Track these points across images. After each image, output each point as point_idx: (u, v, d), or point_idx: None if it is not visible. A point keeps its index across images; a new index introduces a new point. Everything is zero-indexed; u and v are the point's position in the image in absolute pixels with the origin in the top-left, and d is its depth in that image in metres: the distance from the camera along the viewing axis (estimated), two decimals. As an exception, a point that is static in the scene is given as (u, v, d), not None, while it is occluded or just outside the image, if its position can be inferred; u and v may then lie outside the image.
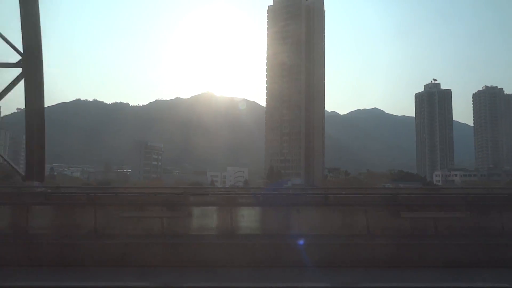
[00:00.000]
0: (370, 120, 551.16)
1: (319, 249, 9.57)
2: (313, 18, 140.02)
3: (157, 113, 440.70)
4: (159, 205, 11.73)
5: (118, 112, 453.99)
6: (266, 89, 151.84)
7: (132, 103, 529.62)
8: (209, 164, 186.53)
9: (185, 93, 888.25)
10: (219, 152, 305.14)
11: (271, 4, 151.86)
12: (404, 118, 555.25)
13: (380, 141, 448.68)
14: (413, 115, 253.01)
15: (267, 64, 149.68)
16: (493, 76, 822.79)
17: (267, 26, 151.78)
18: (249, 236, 10.87)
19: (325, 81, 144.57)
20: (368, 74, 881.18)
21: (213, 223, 11.68)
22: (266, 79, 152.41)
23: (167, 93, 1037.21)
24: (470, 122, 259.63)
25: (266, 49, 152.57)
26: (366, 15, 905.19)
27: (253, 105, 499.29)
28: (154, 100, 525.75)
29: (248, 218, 11.65)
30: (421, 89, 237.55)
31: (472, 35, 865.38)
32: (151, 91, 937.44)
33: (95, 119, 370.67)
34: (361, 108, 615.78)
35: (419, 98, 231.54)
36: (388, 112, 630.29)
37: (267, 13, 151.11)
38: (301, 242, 9.51)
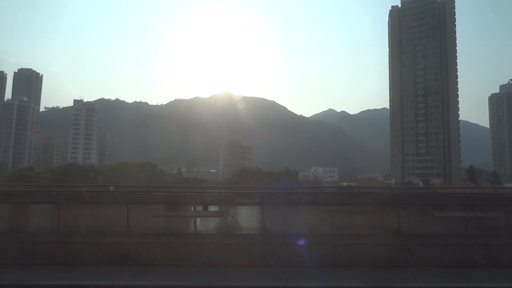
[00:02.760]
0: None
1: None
2: (445, 17, 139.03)
3: (178, 112, 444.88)
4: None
5: (139, 111, 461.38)
6: (390, 90, 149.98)
7: (151, 102, 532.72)
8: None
9: (204, 93, 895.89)
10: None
11: (395, 4, 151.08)
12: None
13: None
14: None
15: (391, 65, 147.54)
16: None
17: (389, 26, 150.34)
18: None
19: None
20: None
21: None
22: (389, 80, 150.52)
23: (186, 93, 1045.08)
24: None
25: (389, 50, 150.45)
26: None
27: (273, 104, 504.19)
28: (173, 99, 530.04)
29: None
30: (495, 90, 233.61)
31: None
32: (170, 91, 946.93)
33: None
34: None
35: (495, 99, 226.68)
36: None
37: (390, 13, 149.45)
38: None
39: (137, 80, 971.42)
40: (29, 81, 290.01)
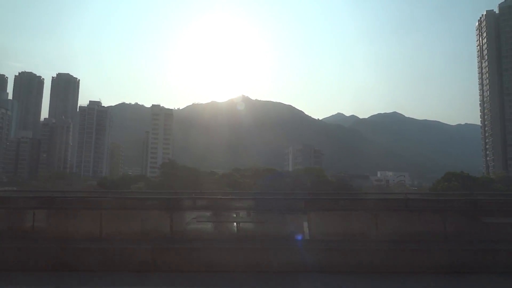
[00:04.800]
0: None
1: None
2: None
3: (195, 116, 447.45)
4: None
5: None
6: (483, 95, 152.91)
7: (168, 106, 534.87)
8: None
9: (221, 97, 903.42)
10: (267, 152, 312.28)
11: (493, 9, 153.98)
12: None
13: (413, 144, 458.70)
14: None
15: (486, 70, 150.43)
16: None
17: (482, 32, 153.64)
18: None
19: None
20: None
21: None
22: (480, 86, 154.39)
23: (203, 97, 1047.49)
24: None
25: (482, 56, 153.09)
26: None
27: (290, 108, 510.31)
28: (191, 103, 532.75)
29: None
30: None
31: None
32: (187, 95, 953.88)
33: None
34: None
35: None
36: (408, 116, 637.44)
37: (485, 18, 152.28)
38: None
39: (154, 84, 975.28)
40: (67, 85, 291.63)
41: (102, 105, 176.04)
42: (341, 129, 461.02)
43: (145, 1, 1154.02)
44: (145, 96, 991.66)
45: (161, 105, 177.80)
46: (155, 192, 30.48)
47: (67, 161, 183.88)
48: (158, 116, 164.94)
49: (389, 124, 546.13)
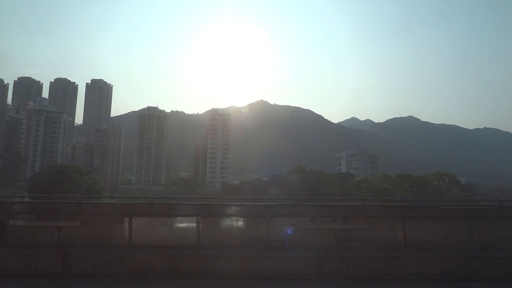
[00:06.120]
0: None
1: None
2: None
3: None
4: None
5: (178, 119, 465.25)
6: None
7: (187, 111, 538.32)
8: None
9: (240, 102, 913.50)
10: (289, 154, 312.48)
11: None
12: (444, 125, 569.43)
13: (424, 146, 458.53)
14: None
15: None
16: None
17: None
18: None
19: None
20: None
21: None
22: None
23: (222, 102, 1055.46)
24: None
25: None
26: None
27: (309, 113, 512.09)
28: (210, 108, 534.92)
29: None
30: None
31: None
32: (205, 100, 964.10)
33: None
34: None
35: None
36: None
37: None
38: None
39: (174, 90, 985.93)
40: (101, 91, 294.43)
41: (159, 110, 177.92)
42: (362, 134, 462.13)
43: (159, 11, 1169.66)
44: (164, 102, 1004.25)
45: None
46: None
47: (119, 166, 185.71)
48: (216, 121, 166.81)
49: (407, 128, 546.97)
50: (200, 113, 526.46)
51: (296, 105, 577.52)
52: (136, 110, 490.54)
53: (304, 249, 9.99)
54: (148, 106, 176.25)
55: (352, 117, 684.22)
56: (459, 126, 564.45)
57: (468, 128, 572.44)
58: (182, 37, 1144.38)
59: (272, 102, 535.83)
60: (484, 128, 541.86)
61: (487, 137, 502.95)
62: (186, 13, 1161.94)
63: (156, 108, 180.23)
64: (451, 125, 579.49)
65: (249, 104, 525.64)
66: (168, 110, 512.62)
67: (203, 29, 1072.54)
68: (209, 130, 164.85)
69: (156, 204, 12.06)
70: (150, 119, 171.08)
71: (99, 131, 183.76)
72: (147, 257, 9.26)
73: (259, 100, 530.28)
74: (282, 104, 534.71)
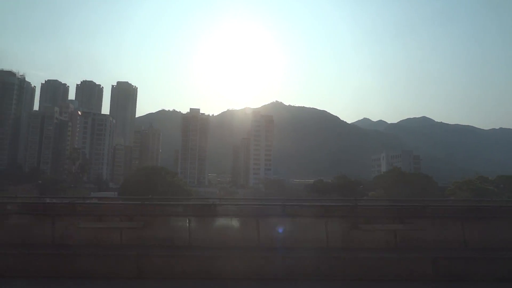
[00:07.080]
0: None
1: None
2: None
3: (230, 122, 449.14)
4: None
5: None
6: None
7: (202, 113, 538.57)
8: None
9: (254, 103, 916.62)
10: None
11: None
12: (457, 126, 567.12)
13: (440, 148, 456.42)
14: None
15: None
16: None
17: None
18: None
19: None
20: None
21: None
22: None
23: (236, 103, 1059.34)
24: None
25: None
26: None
27: (325, 114, 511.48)
28: (225, 110, 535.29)
29: None
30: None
31: None
32: (219, 101, 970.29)
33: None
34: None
35: None
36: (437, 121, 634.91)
37: None
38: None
39: (188, 92, 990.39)
40: (126, 94, 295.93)
41: (202, 112, 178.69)
42: (379, 135, 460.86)
43: (169, 15, 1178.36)
44: (180, 103, 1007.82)
45: (251, 107, 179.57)
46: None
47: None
48: (259, 122, 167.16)
49: (421, 129, 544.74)
50: (215, 114, 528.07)
51: (311, 106, 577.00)
52: (154, 112, 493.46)
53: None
54: (190, 109, 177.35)
55: (364, 118, 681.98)
56: (475, 127, 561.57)
57: (484, 128, 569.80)
58: (192, 39, 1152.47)
59: (287, 103, 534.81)
60: (500, 128, 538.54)
61: (503, 138, 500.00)
62: (194, 17, 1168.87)
63: (199, 110, 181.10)
64: (466, 125, 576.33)
65: (264, 106, 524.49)
66: (184, 111, 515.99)
67: (211, 32, 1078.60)
68: (252, 131, 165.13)
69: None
70: (194, 121, 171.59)
71: (138, 133, 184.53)
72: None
73: (274, 101, 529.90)
74: (297, 105, 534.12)
